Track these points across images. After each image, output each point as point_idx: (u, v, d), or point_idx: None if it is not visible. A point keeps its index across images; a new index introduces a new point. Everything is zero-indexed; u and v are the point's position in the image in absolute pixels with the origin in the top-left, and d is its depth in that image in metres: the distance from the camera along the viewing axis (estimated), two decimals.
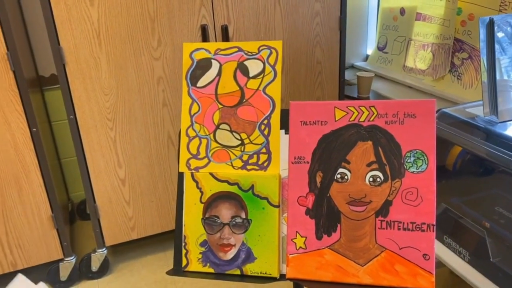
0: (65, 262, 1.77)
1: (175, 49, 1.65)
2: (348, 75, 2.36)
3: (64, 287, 1.79)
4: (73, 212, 2.24)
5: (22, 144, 1.57)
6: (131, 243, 1.91)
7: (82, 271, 1.83)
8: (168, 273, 0.87)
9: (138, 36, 1.59)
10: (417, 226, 0.80)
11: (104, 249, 1.82)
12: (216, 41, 1.72)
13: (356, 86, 2.18)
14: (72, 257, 1.78)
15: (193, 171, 0.91)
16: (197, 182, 0.91)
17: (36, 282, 0.93)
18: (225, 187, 0.89)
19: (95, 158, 1.69)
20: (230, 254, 0.88)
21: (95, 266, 1.82)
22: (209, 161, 0.92)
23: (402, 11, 2.21)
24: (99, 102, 1.62)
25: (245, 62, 0.92)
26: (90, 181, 1.71)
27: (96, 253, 1.82)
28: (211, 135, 0.92)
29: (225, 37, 1.71)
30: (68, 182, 2.25)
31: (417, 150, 0.80)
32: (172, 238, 2.03)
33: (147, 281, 1.82)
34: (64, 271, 1.77)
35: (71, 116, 1.61)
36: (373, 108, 0.82)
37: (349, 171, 0.83)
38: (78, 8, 1.49)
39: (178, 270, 0.89)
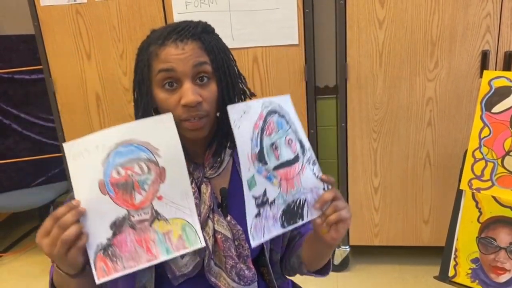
0: None
1: (450, 72, 1.69)
2: None
3: None
4: None
5: None
6: (372, 248, 2.03)
7: None
8: (436, 278, 0.95)
9: (416, 58, 1.70)
10: None
11: (347, 247, 2.00)
12: (496, 68, 1.68)
13: None
14: None
15: (474, 191, 0.97)
16: (477, 202, 0.95)
17: None
18: (507, 213, 0.91)
19: (356, 164, 1.88)
20: (503, 278, 0.90)
21: (337, 260, 2.02)
22: (493, 184, 0.95)
23: None
24: (369, 114, 1.80)
25: None
26: (347, 184, 1.91)
27: (340, 248, 2.01)
28: (499, 160, 0.95)
29: (507, 65, 1.65)
30: None
31: None
32: (408, 254, 2.07)
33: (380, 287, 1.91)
34: None
35: (342, 124, 1.83)
36: None
37: None
38: (367, 31, 1.69)
39: (444, 278, 0.96)
